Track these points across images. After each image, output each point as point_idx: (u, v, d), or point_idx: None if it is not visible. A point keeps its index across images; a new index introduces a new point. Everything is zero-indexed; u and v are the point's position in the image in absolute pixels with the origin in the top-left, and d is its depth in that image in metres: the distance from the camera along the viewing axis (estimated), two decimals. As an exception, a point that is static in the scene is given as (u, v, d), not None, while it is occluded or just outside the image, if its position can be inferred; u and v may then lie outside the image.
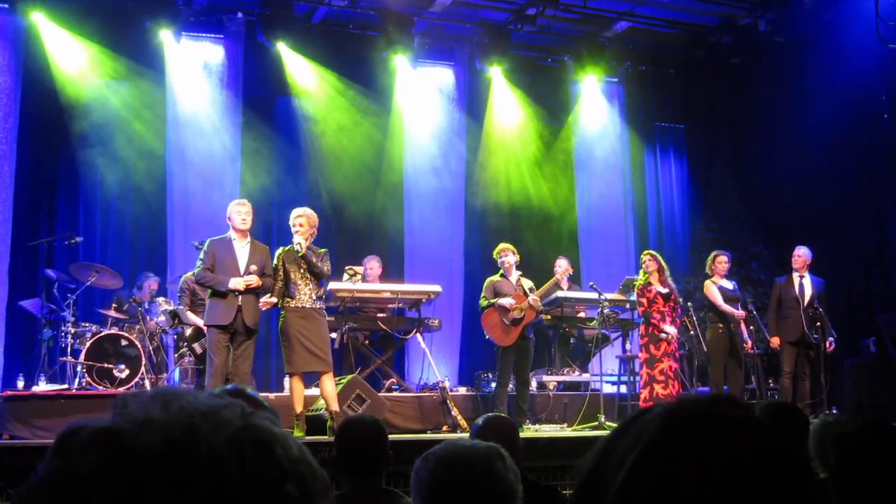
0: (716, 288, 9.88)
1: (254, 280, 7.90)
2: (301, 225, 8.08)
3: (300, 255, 7.95)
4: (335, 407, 7.95)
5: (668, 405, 0.88)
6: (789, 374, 9.94)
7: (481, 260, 11.93)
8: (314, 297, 8.06)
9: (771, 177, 13.18)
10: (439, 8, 12.39)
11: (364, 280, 10.54)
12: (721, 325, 9.82)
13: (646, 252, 9.97)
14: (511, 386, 9.55)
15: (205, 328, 8.33)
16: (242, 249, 8.03)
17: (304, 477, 0.77)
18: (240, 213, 8.06)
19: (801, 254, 10.24)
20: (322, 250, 8.21)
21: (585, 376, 10.82)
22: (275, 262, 8.14)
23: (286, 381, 9.54)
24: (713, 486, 0.79)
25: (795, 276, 10.20)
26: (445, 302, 11.59)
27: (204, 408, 0.76)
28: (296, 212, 8.27)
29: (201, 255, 7.97)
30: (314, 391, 8.61)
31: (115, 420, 0.75)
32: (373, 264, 10.93)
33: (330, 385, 8.03)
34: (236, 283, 7.84)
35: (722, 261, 9.99)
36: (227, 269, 7.86)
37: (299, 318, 8.01)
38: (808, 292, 10.03)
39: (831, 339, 9.89)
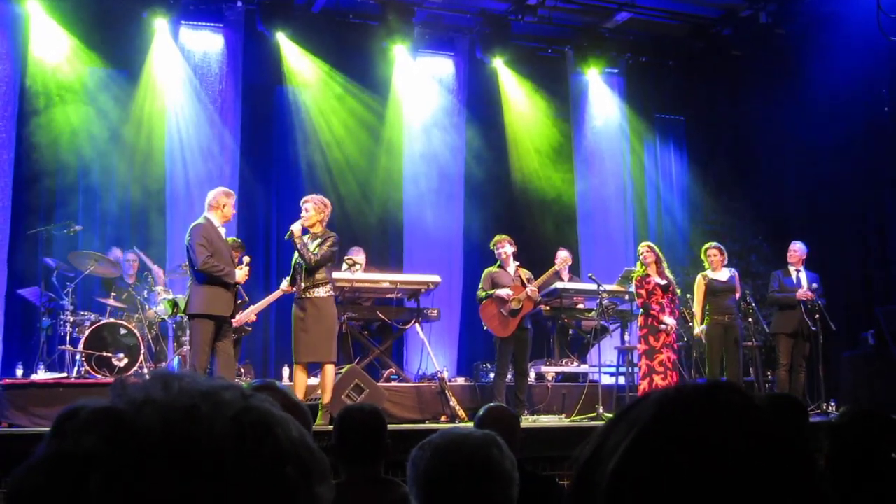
0: (704, 283, 9.87)
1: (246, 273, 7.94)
2: (307, 210, 8.13)
3: (286, 237, 8.04)
4: (326, 398, 8.00)
5: (665, 391, 0.87)
6: (786, 366, 9.98)
7: (480, 250, 11.92)
8: (305, 286, 8.02)
9: (770, 169, 13.17)
10: (439, -2, 12.38)
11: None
12: (715, 317, 9.81)
13: (643, 244, 9.98)
14: (509, 376, 9.56)
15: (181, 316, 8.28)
16: (224, 237, 8.00)
17: (304, 459, 0.77)
18: (233, 205, 8.03)
19: (797, 249, 10.29)
20: (331, 234, 8.16)
21: (584, 367, 10.84)
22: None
23: (284, 370, 9.60)
24: (708, 472, 0.78)
25: (792, 269, 10.25)
26: (444, 292, 11.60)
27: (204, 389, 0.76)
28: (304, 198, 8.31)
29: (200, 241, 7.64)
30: (313, 381, 8.65)
31: (115, 402, 0.75)
32: (356, 255, 10.90)
33: (327, 375, 8.05)
34: (241, 275, 7.82)
35: (712, 253, 9.97)
36: (224, 257, 7.81)
37: (297, 308, 8.08)
38: (805, 287, 10.07)
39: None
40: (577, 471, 0.88)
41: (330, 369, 8.08)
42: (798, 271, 10.23)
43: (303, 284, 8.02)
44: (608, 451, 0.84)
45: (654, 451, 0.81)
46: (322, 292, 8.04)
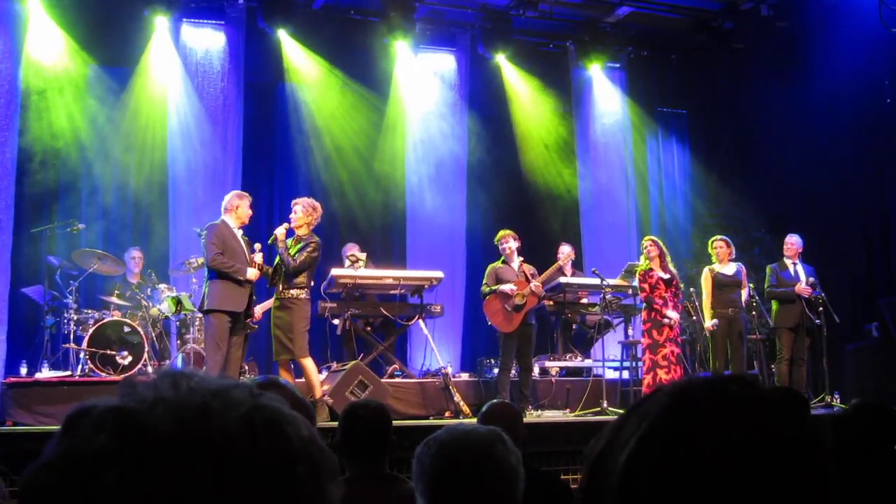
0: (711, 277, 9.87)
1: (258, 272, 8.11)
2: (295, 212, 8.33)
3: (269, 242, 8.22)
4: (317, 393, 8.11)
5: (675, 383, 0.88)
6: (787, 360, 9.95)
7: (483, 246, 11.92)
8: (282, 288, 8.21)
9: (773, 162, 13.15)
10: (440, -7, 12.37)
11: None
12: (720, 311, 9.81)
13: (647, 238, 9.96)
14: (513, 372, 9.56)
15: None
16: (241, 238, 8.15)
17: (314, 458, 0.78)
18: (248, 207, 8.21)
19: (794, 242, 10.27)
20: (313, 240, 8.27)
21: (588, 362, 10.84)
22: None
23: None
24: (718, 463, 0.79)
25: (789, 262, 10.22)
26: (448, 288, 11.60)
27: (214, 387, 0.76)
28: (294, 200, 8.49)
29: (212, 240, 7.94)
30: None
31: (125, 401, 0.76)
32: (353, 251, 10.90)
33: (307, 371, 8.20)
34: (252, 273, 7.97)
35: (718, 245, 9.98)
36: (237, 256, 7.96)
37: (275, 307, 8.30)
38: (803, 279, 10.06)
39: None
40: (589, 464, 0.88)
41: (307, 364, 8.21)
42: (795, 264, 10.21)
43: (280, 286, 8.18)
44: (620, 443, 0.84)
45: (664, 442, 0.81)
46: (295, 294, 8.21)
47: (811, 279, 10.06)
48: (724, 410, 0.82)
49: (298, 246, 8.23)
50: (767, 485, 0.79)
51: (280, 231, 8.24)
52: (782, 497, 0.79)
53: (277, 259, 8.32)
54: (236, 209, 8.13)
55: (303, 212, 8.29)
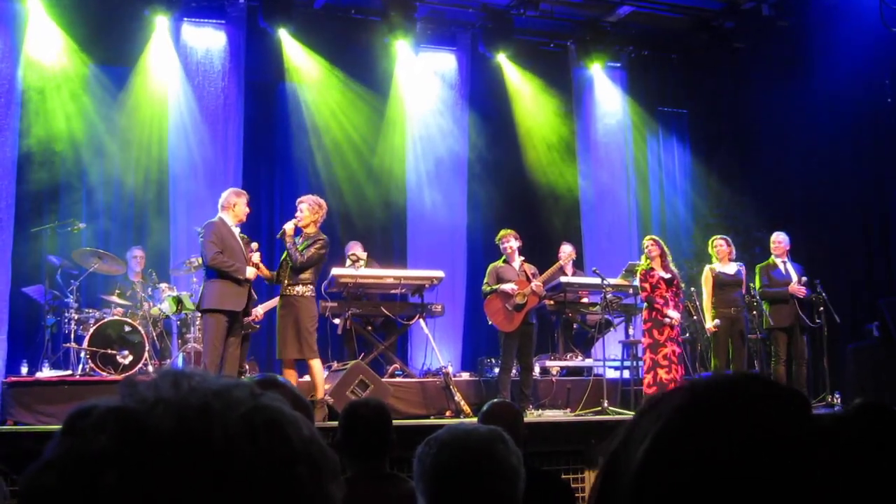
0: (712, 276, 9.86)
1: (256, 270, 8.11)
2: (301, 211, 8.27)
3: (278, 236, 8.18)
4: (318, 394, 8.12)
5: (694, 381, 0.87)
6: (783, 361, 9.92)
7: (484, 245, 11.93)
8: (287, 284, 8.19)
9: (774, 161, 13.15)
10: (441, -7, 12.37)
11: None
12: (721, 310, 9.79)
13: (648, 237, 9.96)
14: (514, 371, 9.56)
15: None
16: (238, 236, 8.13)
17: (314, 458, 0.77)
18: (245, 204, 8.17)
19: (781, 240, 10.21)
20: (321, 237, 8.27)
21: (588, 361, 10.84)
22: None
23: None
24: (738, 462, 0.78)
25: (778, 261, 10.16)
26: (448, 287, 11.60)
27: (215, 387, 0.76)
28: (299, 198, 8.44)
29: (211, 239, 7.88)
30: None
31: (125, 401, 0.75)
32: (355, 250, 10.90)
33: (313, 371, 8.20)
34: (251, 272, 7.97)
35: (718, 245, 9.96)
36: (235, 255, 7.94)
37: (279, 305, 8.28)
38: (795, 278, 10.02)
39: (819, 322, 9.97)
40: (605, 461, 0.88)
41: (315, 365, 8.18)
42: (785, 263, 10.17)
43: (285, 282, 8.17)
44: (635, 441, 0.84)
45: (681, 440, 0.81)
46: (300, 291, 8.17)
47: (804, 278, 10.04)
48: (743, 408, 0.82)
49: (306, 243, 8.22)
50: (783, 484, 0.78)
51: (289, 226, 8.21)
52: (799, 496, 0.79)
53: (284, 254, 8.30)
54: (233, 207, 8.08)
55: (309, 210, 8.28)
